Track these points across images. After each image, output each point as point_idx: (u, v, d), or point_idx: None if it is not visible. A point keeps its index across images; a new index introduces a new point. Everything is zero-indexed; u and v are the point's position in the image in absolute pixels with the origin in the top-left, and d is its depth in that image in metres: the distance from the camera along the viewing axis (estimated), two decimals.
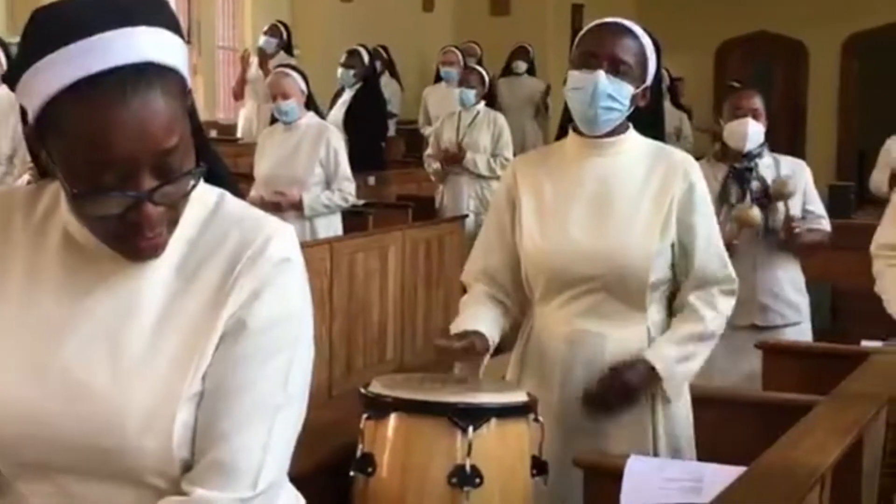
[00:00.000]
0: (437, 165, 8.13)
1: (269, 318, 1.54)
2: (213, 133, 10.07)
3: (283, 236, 1.58)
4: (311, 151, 6.36)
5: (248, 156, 7.08)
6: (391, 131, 11.41)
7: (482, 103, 8.15)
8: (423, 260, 7.39)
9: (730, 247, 4.66)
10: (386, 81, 11.70)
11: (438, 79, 10.70)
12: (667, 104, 11.46)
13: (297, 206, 6.33)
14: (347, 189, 6.44)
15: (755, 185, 4.79)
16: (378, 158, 9.58)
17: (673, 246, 2.94)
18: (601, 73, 2.89)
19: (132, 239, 1.51)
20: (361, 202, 7.35)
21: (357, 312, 6.74)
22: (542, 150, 3.37)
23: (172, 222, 1.53)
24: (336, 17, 12.14)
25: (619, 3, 14.62)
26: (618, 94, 2.90)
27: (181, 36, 1.53)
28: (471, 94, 8.09)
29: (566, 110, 3.02)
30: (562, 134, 3.10)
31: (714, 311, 2.99)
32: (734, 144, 4.81)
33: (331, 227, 6.55)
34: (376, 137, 9.64)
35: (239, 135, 10.69)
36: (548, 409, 2.85)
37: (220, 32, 12.36)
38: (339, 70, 9.43)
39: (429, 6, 13.81)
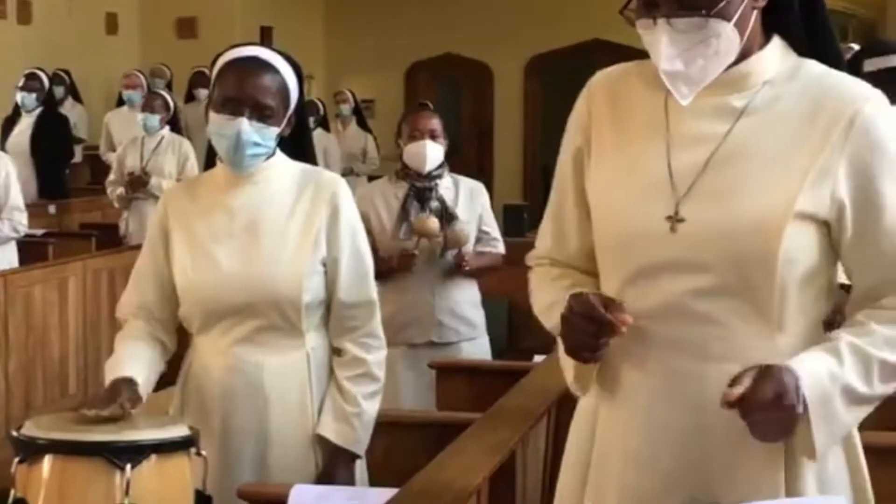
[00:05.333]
0: (120, 191, 7.94)
1: None
2: None
3: None
4: None
5: None
6: (78, 157, 11.08)
7: (167, 128, 8.02)
8: (107, 290, 7.18)
9: (408, 258, 4.75)
10: (71, 105, 11.36)
11: (122, 102, 10.45)
12: (352, 126, 11.61)
13: None
14: (18, 219, 6.22)
15: (434, 204, 4.87)
16: (60, 186, 9.28)
17: (325, 264, 2.95)
18: (244, 122, 2.85)
19: None
20: (41, 232, 7.10)
21: (35, 347, 6.51)
22: (193, 181, 3.33)
23: None
24: (14, 41, 11.68)
25: (307, 25, 14.78)
26: (262, 138, 2.88)
27: None
28: (155, 119, 7.95)
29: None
30: (210, 163, 3.06)
31: (362, 349, 2.99)
32: (414, 165, 4.88)
33: (4, 258, 6.30)
34: (58, 164, 9.34)
35: None
36: (211, 441, 2.81)
37: None
38: (19, 94, 9.10)
39: (112, 28, 13.48)
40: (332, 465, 2.95)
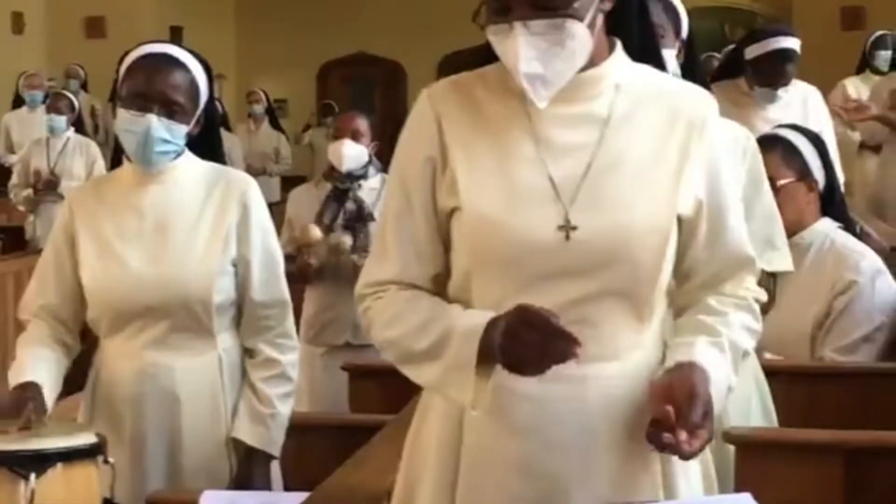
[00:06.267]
0: (27, 193, 7.81)
1: None
2: None
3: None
4: None
5: None
6: None
7: (72, 130, 7.92)
8: (14, 293, 7.06)
9: (305, 267, 4.73)
10: None
11: (19, 103, 10.18)
12: (265, 126, 11.54)
13: None
14: None
15: (350, 206, 4.87)
16: None
17: (235, 264, 2.92)
18: (153, 118, 2.82)
19: None
20: None
21: None
22: (99, 181, 3.29)
23: None
24: None
25: (217, 25, 14.66)
26: (172, 135, 2.85)
27: None
28: (61, 120, 7.86)
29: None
30: (117, 162, 3.02)
31: (276, 350, 2.97)
32: (335, 164, 4.91)
33: None
34: None
35: None
36: (121, 447, 2.78)
37: None
38: None
39: (18, 28, 13.27)
40: (248, 467, 2.92)
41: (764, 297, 2.13)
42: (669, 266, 2.02)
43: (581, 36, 1.94)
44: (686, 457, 1.85)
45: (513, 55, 1.93)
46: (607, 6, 2.01)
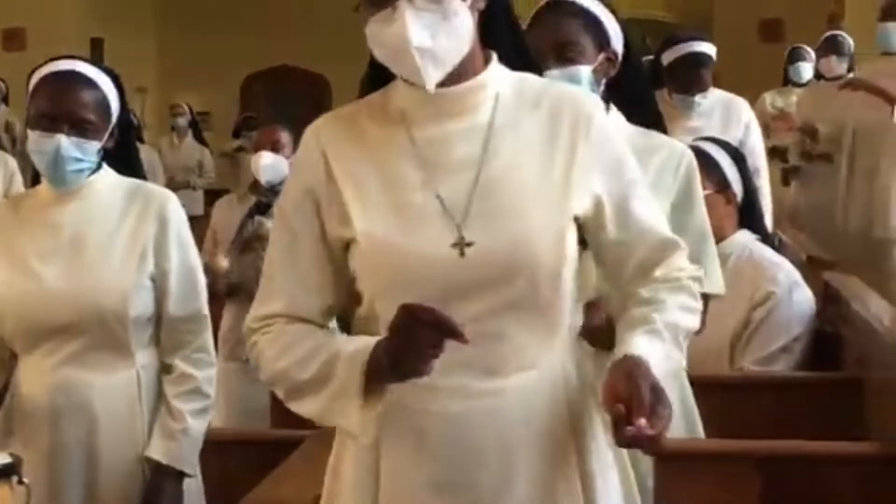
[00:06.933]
0: None
1: None
2: None
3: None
4: None
5: None
6: None
7: None
8: None
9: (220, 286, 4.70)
10: None
11: None
12: (189, 139, 11.46)
13: None
14: None
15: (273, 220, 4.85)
16: None
17: (153, 279, 2.90)
18: (62, 138, 2.79)
19: None
20: None
21: None
22: (17, 198, 3.23)
23: None
24: None
25: (139, 37, 14.53)
26: (83, 153, 2.83)
27: None
28: None
29: None
30: (36, 178, 2.98)
31: (192, 366, 2.95)
32: (255, 175, 4.93)
33: None
34: None
35: None
36: (39, 465, 2.74)
37: None
38: None
39: None
40: (158, 484, 2.88)
41: (701, 272, 2.11)
42: (571, 270, 2.01)
43: (463, 15, 1.96)
44: (653, 444, 1.82)
45: (400, 33, 1.93)
46: (481, 5, 2.02)
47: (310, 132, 2.10)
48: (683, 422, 2.80)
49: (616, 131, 2.15)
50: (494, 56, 2.07)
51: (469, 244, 1.95)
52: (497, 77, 2.06)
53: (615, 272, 2.09)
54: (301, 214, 2.05)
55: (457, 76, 2.00)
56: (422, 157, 2.00)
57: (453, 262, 1.95)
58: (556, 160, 2.01)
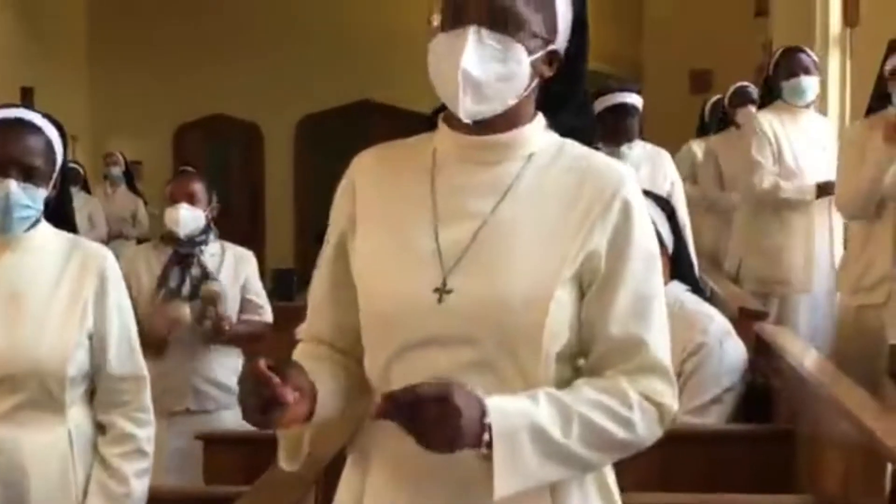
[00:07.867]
0: None
1: None
2: None
3: None
4: None
5: None
6: None
7: None
8: None
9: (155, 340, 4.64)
10: None
11: None
12: (122, 188, 11.36)
13: None
14: None
15: (196, 271, 4.82)
16: None
17: (91, 337, 2.86)
18: (12, 183, 2.77)
19: None
20: None
21: None
22: None
23: None
24: None
25: (69, 86, 14.40)
26: (32, 200, 2.81)
27: None
28: None
29: None
30: None
31: (133, 424, 2.92)
32: (172, 229, 4.86)
33: None
34: None
35: None
36: None
37: None
38: None
39: None
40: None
41: (667, 400, 1.99)
42: (558, 340, 1.95)
43: (524, 66, 1.96)
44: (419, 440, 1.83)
45: (456, 51, 1.94)
46: (548, 73, 2.02)
47: (354, 160, 2.14)
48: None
49: (641, 213, 2.02)
50: (540, 117, 2.07)
51: (448, 291, 1.95)
52: (537, 138, 2.05)
53: (582, 346, 2.02)
54: (330, 241, 2.13)
55: (496, 126, 2.01)
56: (437, 202, 2.02)
57: (431, 308, 1.94)
58: (564, 230, 1.97)
